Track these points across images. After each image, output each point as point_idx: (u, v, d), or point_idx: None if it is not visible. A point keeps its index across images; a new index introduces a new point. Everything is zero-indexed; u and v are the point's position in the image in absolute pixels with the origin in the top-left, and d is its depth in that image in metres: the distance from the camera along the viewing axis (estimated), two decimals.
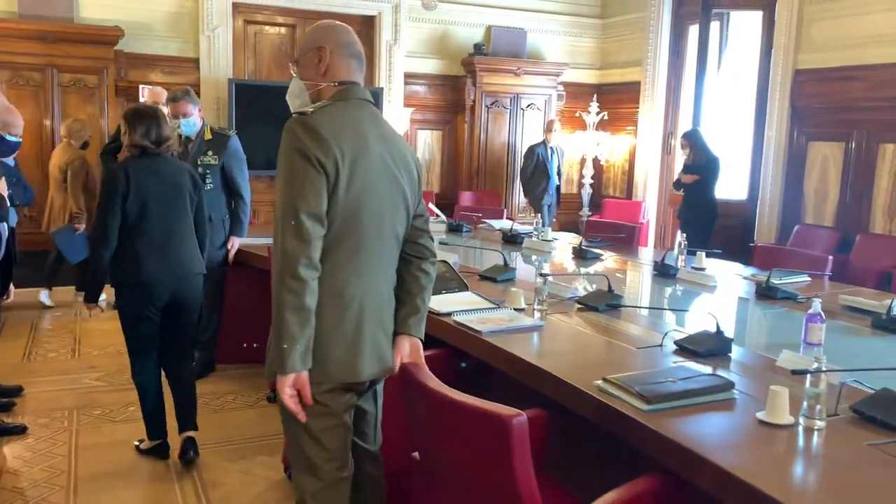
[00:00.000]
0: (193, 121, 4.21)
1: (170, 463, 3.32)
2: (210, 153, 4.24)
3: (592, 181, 8.32)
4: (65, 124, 5.78)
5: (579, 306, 3.02)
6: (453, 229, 5.25)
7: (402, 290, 2.09)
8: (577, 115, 8.29)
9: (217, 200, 4.29)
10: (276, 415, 2.13)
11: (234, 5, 7.07)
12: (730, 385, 2.03)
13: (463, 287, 3.16)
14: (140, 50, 6.66)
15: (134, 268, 3.12)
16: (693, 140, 6.16)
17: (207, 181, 4.21)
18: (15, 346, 4.95)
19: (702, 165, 6.03)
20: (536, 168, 7.32)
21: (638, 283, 3.96)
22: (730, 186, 6.77)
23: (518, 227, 5.09)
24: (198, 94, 5.90)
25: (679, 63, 7.69)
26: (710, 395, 1.99)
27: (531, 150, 7.46)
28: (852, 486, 1.61)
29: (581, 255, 4.34)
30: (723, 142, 6.78)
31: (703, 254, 4.05)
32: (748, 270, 4.06)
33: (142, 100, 6.23)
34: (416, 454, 2.10)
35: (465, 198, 7.73)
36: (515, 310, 2.88)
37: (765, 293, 3.38)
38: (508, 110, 8.08)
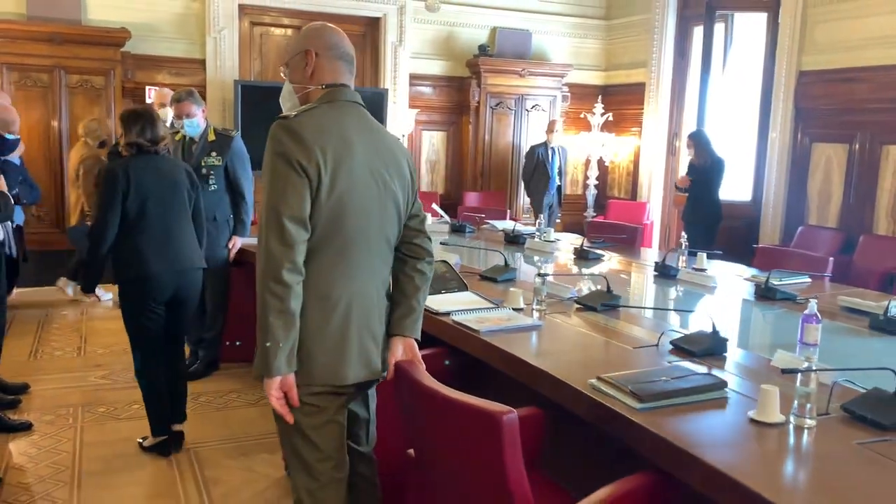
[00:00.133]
0: (197, 121, 4.25)
1: (172, 460, 3.36)
2: (214, 154, 4.28)
3: (597, 182, 8.33)
4: (82, 123, 5.85)
5: (578, 306, 3.04)
6: (456, 230, 5.27)
7: (397, 290, 2.10)
8: (581, 116, 8.30)
9: (221, 201, 4.33)
10: None
11: (241, 7, 7.12)
12: (722, 384, 2.05)
13: (463, 287, 3.18)
14: (147, 51, 6.72)
15: (136, 264, 3.19)
16: (697, 141, 6.17)
17: (211, 181, 4.25)
18: (21, 344, 5.00)
19: (706, 167, 6.03)
20: (537, 168, 7.34)
21: (638, 283, 3.98)
22: (734, 188, 6.77)
23: (520, 228, 5.11)
24: (203, 95, 5.99)
25: (684, 64, 7.70)
26: (703, 394, 2.01)
27: (532, 150, 7.49)
28: (840, 483, 1.62)
29: (582, 256, 4.35)
30: (727, 143, 6.78)
31: (704, 255, 4.07)
32: (750, 272, 4.07)
33: (148, 101, 6.30)
34: (410, 451, 2.13)
35: (470, 198, 7.76)
36: (514, 310, 2.90)
37: (764, 294, 3.39)
38: (513, 111, 8.10)
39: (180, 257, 3.29)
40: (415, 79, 7.82)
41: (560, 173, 7.48)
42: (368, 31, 7.75)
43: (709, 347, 2.42)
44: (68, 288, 6.06)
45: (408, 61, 7.73)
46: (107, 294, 5.99)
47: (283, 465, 3.21)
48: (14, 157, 3.85)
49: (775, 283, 3.45)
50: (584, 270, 4.12)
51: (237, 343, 4.58)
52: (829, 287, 3.76)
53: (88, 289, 3.40)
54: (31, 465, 3.27)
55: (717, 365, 2.33)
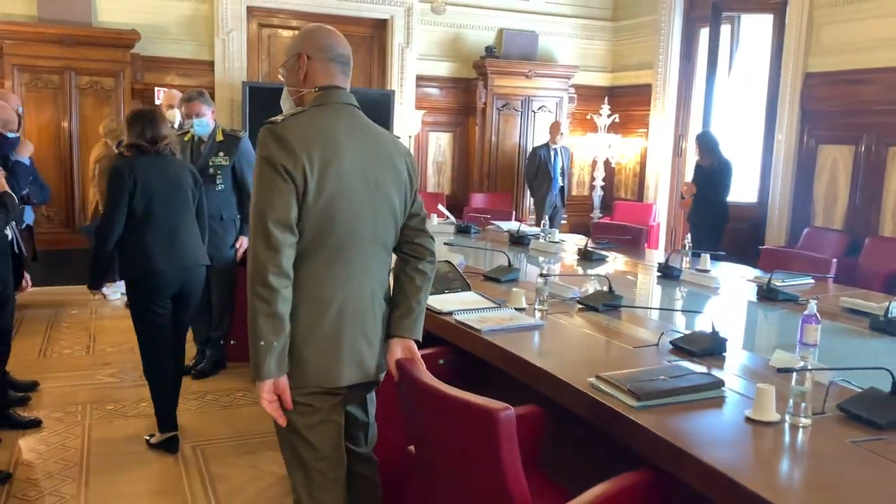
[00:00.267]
0: (206, 121, 4.31)
1: (179, 457, 3.40)
2: (221, 154, 4.33)
3: (604, 183, 8.35)
4: (102, 123, 5.93)
5: (580, 306, 3.06)
6: (462, 230, 5.30)
7: (398, 290, 2.11)
8: (588, 117, 8.32)
9: (228, 201, 4.37)
10: None
11: (249, 9, 7.17)
12: (719, 383, 2.07)
13: (466, 287, 3.21)
14: (156, 53, 6.78)
15: (142, 261, 3.28)
16: (704, 142, 6.17)
17: (218, 181, 4.30)
18: (31, 342, 5.06)
19: (713, 168, 6.03)
20: (539, 170, 7.38)
21: (640, 284, 4.00)
22: (740, 189, 6.77)
23: (525, 229, 5.13)
24: (212, 96, 6.02)
25: (690, 66, 7.71)
26: (700, 393, 2.03)
27: (534, 152, 7.54)
28: (833, 481, 1.64)
29: (586, 257, 4.37)
30: (733, 144, 6.79)
31: (707, 256, 4.08)
32: (754, 273, 4.08)
33: (157, 102, 6.35)
34: (411, 448, 2.16)
35: (476, 199, 7.79)
36: (516, 309, 2.92)
37: (766, 295, 3.40)
38: (520, 113, 8.12)
39: (185, 255, 3.37)
40: (422, 80, 7.85)
41: (563, 174, 7.51)
42: (376, 33, 7.79)
43: (708, 347, 2.44)
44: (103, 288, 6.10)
45: (415, 63, 7.76)
46: (114, 294, 6.05)
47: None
48: (24, 158, 3.90)
49: (777, 284, 3.46)
50: (588, 271, 4.14)
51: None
52: (832, 288, 3.77)
53: (94, 286, 3.45)
54: (40, 462, 3.32)
55: (716, 365, 2.35)
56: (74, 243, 6.23)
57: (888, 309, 2.91)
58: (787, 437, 1.83)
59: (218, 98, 6.86)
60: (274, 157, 1.84)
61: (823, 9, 6.14)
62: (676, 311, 3.29)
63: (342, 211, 1.90)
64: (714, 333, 2.48)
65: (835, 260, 4.07)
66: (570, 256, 4.55)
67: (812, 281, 3.75)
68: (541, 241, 4.79)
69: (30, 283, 3.87)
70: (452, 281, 3.21)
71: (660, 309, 3.31)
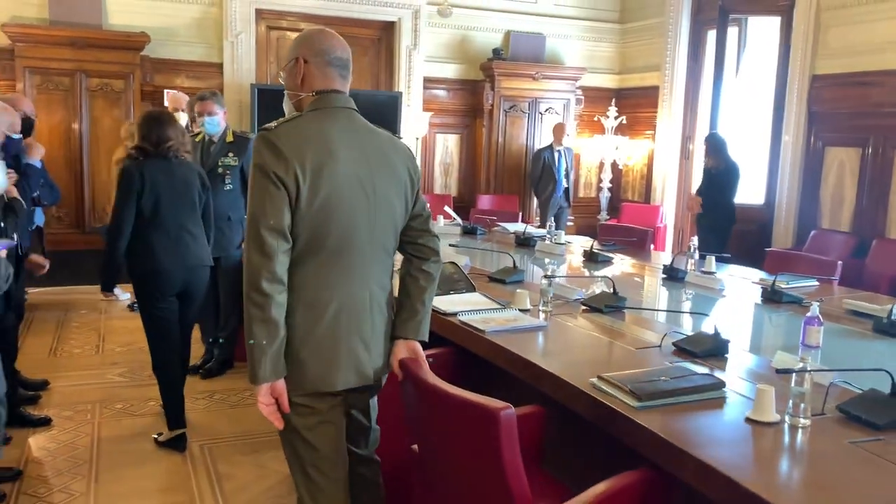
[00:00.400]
0: (218, 120, 4.40)
1: (186, 455, 3.44)
2: (231, 155, 4.40)
3: (611, 185, 8.36)
4: (123, 126, 5.99)
5: (584, 308, 3.08)
6: (468, 232, 5.33)
7: (402, 292, 2.13)
8: (595, 119, 8.34)
9: (237, 201, 4.42)
10: None
11: (258, 11, 7.22)
12: (720, 384, 2.09)
13: (470, 288, 3.24)
14: (165, 55, 6.84)
15: (149, 259, 3.37)
16: (711, 143, 6.17)
17: (227, 181, 4.38)
18: (42, 342, 5.12)
19: (721, 170, 6.03)
20: (543, 172, 7.40)
21: (645, 286, 4.01)
22: (747, 191, 6.76)
23: (531, 231, 5.15)
24: None
25: (697, 68, 7.71)
26: (701, 394, 2.05)
27: (538, 154, 7.58)
28: (832, 481, 1.66)
29: (592, 259, 4.39)
30: (740, 146, 6.78)
31: (713, 258, 4.09)
32: (759, 275, 4.08)
33: (165, 104, 6.41)
34: (415, 447, 2.18)
35: (483, 201, 7.81)
36: (520, 310, 2.94)
37: (770, 297, 3.41)
38: (527, 114, 8.14)
39: (189, 255, 3.46)
40: (429, 82, 7.88)
41: (567, 176, 7.53)
42: (384, 36, 7.83)
43: (710, 348, 2.45)
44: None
45: (422, 65, 7.80)
46: (125, 294, 6.11)
47: None
48: (36, 161, 3.95)
49: (782, 286, 3.47)
50: (593, 273, 4.15)
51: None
52: (837, 290, 3.78)
53: (107, 287, 3.49)
54: (50, 459, 3.36)
55: (718, 366, 2.36)
56: (84, 244, 6.29)
57: (891, 311, 2.91)
58: (786, 438, 1.84)
59: (227, 100, 6.83)
60: (266, 164, 1.85)
61: (831, 11, 6.14)
62: (679, 312, 3.30)
63: (337, 216, 1.91)
64: (716, 335, 2.49)
65: (840, 262, 4.07)
66: (575, 258, 4.57)
67: (817, 283, 3.76)
68: (546, 242, 4.81)
69: (46, 265, 3.84)
70: (457, 282, 3.24)
71: (662, 311, 3.33)
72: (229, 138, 4.45)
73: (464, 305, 2.96)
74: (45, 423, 3.73)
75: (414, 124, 7.59)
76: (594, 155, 8.46)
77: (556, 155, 7.44)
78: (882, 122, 5.74)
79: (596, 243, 4.71)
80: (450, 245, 4.50)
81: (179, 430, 3.52)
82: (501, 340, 2.57)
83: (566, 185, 7.53)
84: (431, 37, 7.82)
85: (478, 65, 8.00)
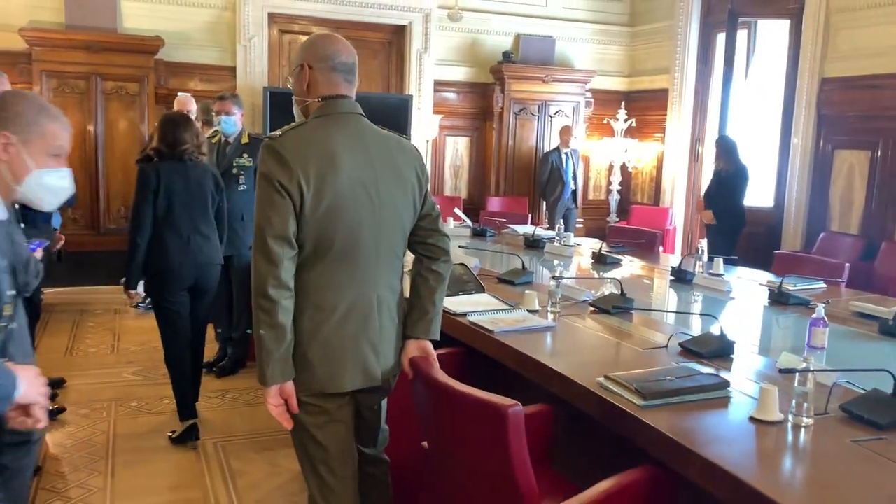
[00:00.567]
0: (234, 120, 4.52)
1: (200, 452, 3.51)
2: (245, 155, 4.49)
3: (620, 188, 8.39)
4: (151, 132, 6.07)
5: (592, 309, 3.12)
6: (477, 234, 5.37)
7: (413, 292, 2.16)
8: (605, 121, 8.36)
9: (250, 201, 4.48)
10: None
11: (270, 15, 7.29)
12: (725, 384, 2.13)
13: (480, 289, 3.28)
14: (179, 59, 6.91)
15: (161, 257, 3.52)
16: (722, 146, 6.19)
17: (241, 181, 4.50)
18: (58, 341, 5.20)
19: (730, 173, 6.05)
20: (551, 174, 7.45)
21: (653, 287, 4.05)
22: (756, 194, 6.78)
23: (540, 232, 5.19)
24: None
25: (706, 71, 7.73)
26: (706, 393, 2.09)
27: (545, 157, 7.62)
28: (833, 479, 1.70)
29: (601, 261, 4.43)
30: (749, 149, 6.79)
31: (721, 260, 4.11)
32: (767, 277, 4.11)
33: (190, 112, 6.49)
34: (424, 443, 2.23)
35: (493, 203, 7.85)
36: (529, 311, 2.98)
37: (777, 299, 3.44)
38: (536, 117, 8.18)
39: (199, 254, 3.61)
40: (439, 85, 7.93)
41: (574, 177, 7.57)
42: (394, 39, 7.89)
43: (716, 349, 2.49)
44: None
45: (432, 68, 7.85)
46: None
47: None
48: None
49: (789, 288, 3.50)
50: (601, 274, 4.18)
51: None
52: (844, 293, 3.80)
53: (129, 285, 3.59)
54: (67, 455, 3.43)
55: (724, 366, 2.40)
56: (99, 245, 6.37)
57: None
58: (789, 437, 1.88)
59: None
60: (271, 172, 1.89)
61: (840, 14, 6.15)
62: (686, 313, 3.33)
63: (342, 221, 1.94)
64: (722, 336, 2.53)
65: (847, 264, 4.10)
66: (584, 260, 4.60)
67: (824, 285, 3.78)
68: (556, 244, 4.85)
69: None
70: (467, 283, 3.29)
71: (669, 312, 3.37)
72: (244, 139, 4.57)
73: (473, 306, 3.00)
74: (60, 411, 3.83)
75: (424, 127, 7.64)
76: (603, 157, 8.49)
77: (564, 157, 7.49)
78: (891, 125, 5.74)
79: (605, 245, 4.74)
80: (459, 246, 4.55)
81: (191, 421, 3.62)
82: (510, 341, 2.61)
83: (574, 187, 7.56)
84: (442, 40, 7.87)
85: (488, 68, 8.04)
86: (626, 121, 8.22)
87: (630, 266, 4.45)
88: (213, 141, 4.57)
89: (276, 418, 2.00)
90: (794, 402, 1.92)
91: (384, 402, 2.22)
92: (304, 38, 7.62)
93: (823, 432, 1.89)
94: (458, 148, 8.23)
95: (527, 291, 3.15)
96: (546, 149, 8.09)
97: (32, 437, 1.81)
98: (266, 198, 1.90)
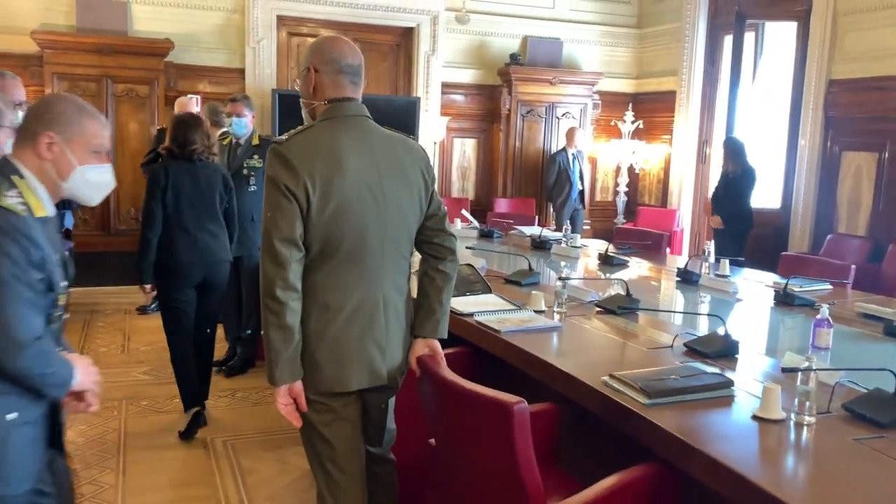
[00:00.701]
0: (245, 122, 4.59)
1: (210, 450, 3.55)
2: (256, 157, 4.55)
3: (627, 189, 8.40)
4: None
5: (598, 309, 3.14)
6: (484, 235, 5.40)
7: (421, 292, 2.19)
8: (612, 123, 8.38)
9: (260, 202, 4.51)
10: None
11: (279, 18, 7.34)
12: (729, 383, 2.15)
13: (487, 290, 3.31)
14: (189, 61, 6.97)
15: (170, 253, 3.64)
16: (729, 148, 6.19)
17: (251, 183, 4.56)
18: (69, 341, 5.18)
19: (737, 174, 6.06)
20: (559, 176, 7.47)
21: (659, 288, 4.07)
22: (763, 195, 6.78)
23: (547, 234, 5.21)
24: None
25: (714, 73, 7.73)
26: (710, 392, 2.11)
27: (552, 158, 7.63)
28: (835, 476, 1.72)
29: (607, 262, 4.45)
30: (757, 151, 6.80)
31: (727, 261, 4.13)
32: (773, 278, 4.12)
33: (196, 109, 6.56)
34: (432, 441, 2.26)
35: (500, 205, 7.87)
36: (535, 312, 3.01)
37: (782, 300, 3.46)
38: (544, 119, 8.20)
39: (206, 251, 3.72)
40: (447, 87, 7.97)
41: (581, 178, 7.59)
42: (402, 42, 7.93)
43: (721, 349, 2.51)
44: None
45: (440, 70, 7.88)
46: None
47: None
48: None
49: (795, 289, 3.51)
50: (608, 275, 4.20)
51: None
52: (850, 294, 3.81)
53: (144, 280, 3.71)
54: (79, 453, 3.47)
55: (728, 366, 2.42)
56: (110, 246, 6.43)
57: None
58: (792, 435, 1.90)
59: None
60: (278, 176, 1.93)
61: (847, 16, 6.15)
62: (690, 314, 3.35)
63: (348, 223, 1.97)
64: (727, 335, 2.55)
65: (853, 266, 4.11)
66: (591, 261, 4.62)
67: (830, 287, 3.79)
68: (562, 246, 4.87)
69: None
70: (474, 283, 3.32)
71: (673, 312, 3.39)
72: (255, 141, 4.63)
73: (480, 306, 3.03)
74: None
75: (432, 129, 7.68)
76: (611, 159, 8.50)
77: (571, 157, 7.51)
78: None
79: (611, 246, 4.76)
80: (466, 247, 4.57)
81: (195, 409, 3.72)
82: (516, 340, 2.64)
83: (581, 188, 7.58)
84: (449, 42, 7.90)
85: (495, 70, 8.07)
86: (633, 123, 8.23)
87: (636, 267, 4.47)
88: (225, 143, 4.63)
89: (285, 417, 2.03)
90: (796, 400, 1.94)
91: (391, 402, 2.25)
92: (312, 41, 7.69)
93: (826, 431, 1.91)
94: (465, 150, 8.26)
95: (533, 292, 3.17)
96: (553, 150, 8.11)
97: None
98: (273, 201, 1.94)
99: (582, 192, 7.62)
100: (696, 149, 7.93)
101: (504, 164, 8.14)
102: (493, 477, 1.93)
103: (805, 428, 1.91)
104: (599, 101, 8.40)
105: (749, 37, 7.22)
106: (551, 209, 7.98)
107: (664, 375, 2.16)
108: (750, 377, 2.32)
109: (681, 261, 4.86)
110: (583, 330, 2.87)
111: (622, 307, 3.08)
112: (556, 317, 2.99)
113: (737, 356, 2.51)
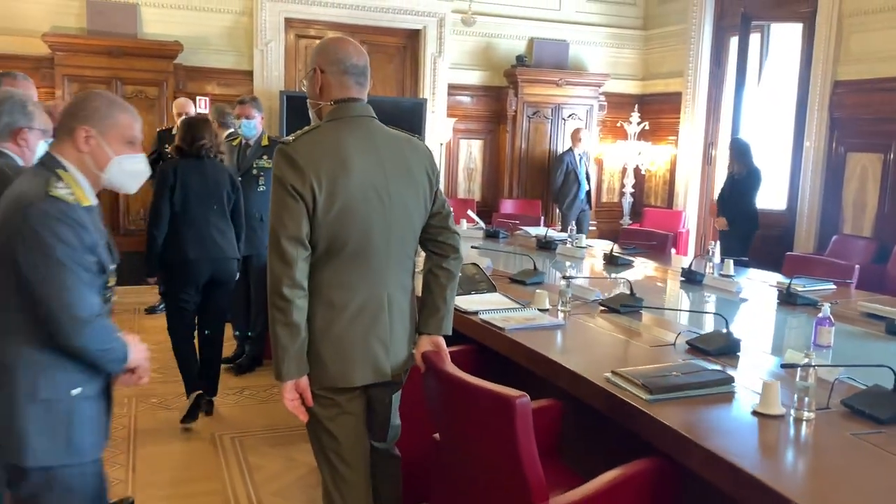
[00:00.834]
0: (254, 124, 4.66)
1: (218, 447, 3.60)
2: (265, 157, 4.61)
3: (633, 190, 8.42)
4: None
5: (602, 308, 3.17)
6: (490, 235, 5.44)
7: (425, 289, 2.22)
8: (618, 125, 8.41)
9: (269, 202, 4.60)
10: None
11: (287, 20, 7.40)
12: (729, 379, 2.18)
13: (492, 289, 3.35)
14: (198, 63, 7.04)
15: (177, 249, 3.73)
16: (735, 149, 6.21)
17: (261, 183, 4.63)
18: None
19: (743, 175, 6.07)
20: (567, 176, 7.49)
21: (663, 287, 4.09)
22: (769, 196, 6.80)
23: (553, 234, 5.25)
24: None
25: (720, 74, 7.75)
26: (710, 388, 2.14)
27: (560, 158, 7.65)
28: (831, 468, 1.75)
29: (612, 262, 4.47)
30: (762, 152, 6.81)
31: (731, 261, 4.15)
32: (778, 278, 4.13)
33: (202, 110, 6.62)
34: (436, 435, 2.29)
35: (506, 206, 7.91)
36: (540, 310, 3.04)
37: (786, 299, 3.48)
38: (550, 120, 8.23)
39: (213, 247, 3.81)
40: (453, 89, 8.01)
41: (588, 178, 7.61)
42: (409, 43, 7.98)
43: (723, 347, 2.54)
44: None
45: (447, 72, 7.93)
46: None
47: None
48: None
49: (798, 289, 3.53)
50: (612, 275, 4.23)
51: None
52: (854, 294, 3.83)
53: (151, 273, 3.85)
54: None
55: (730, 364, 2.44)
56: (119, 246, 6.37)
57: None
58: (790, 430, 1.93)
59: None
60: (284, 176, 1.96)
61: (852, 17, 6.16)
62: (692, 311, 3.38)
63: (353, 223, 2.00)
64: (728, 334, 2.58)
65: (857, 266, 4.12)
66: (596, 262, 4.65)
67: (834, 286, 3.81)
68: (568, 246, 4.90)
69: None
70: (479, 282, 3.35)
71: (675, 310, 3.42)
72: (264, 142, 4.71)
73: (485, 305, 3.07)
74: None
75: (438, 130, 7.72)
76: (617, 160, 8.53)
77: (578, 158, 7.54)
78: None
79: (616, 247, 4.78)
80: (472, 247, 4.61)
81: (196, 392, 3.85)
82: (521, 338, 2.68)
83: (588, 188, 7.61)
84: (456, 44, 7.94)
85: (501, 71, 8.11)
86: (639, 124, 8.26)
87: (641, 267, 4.49)
88: (235, 143, 4.70)
89: (291, 411, 2.07)
90: (795, 396, 1.97)
91: (396, 397, 2.28)
92: (318, 42, 7.73)
93: (824, 426, 1.94)
94: (471, 151, 8.30)
95: (537, 291, 3.20)
96: (559, 151, 8.14)
97: None
98: (280, 201, 1.98)
99: (589, 193, 7.65)
100: (701, 150, 7.95)
101: (510, 166, 8.18)
102: (497, 471, 1.96)
103: (804, 423, 1.94)
104: (605, 103, 8.43)
105: (755, 38, 7.24)
106: (557, 211, 8.00)
107: (666, 372, 2.19)
108: (751, 374, 2.34)
109: (686, 261, 4.88)
110: (586, 328, 2.90)
111: (625, 305, 3.10)
112: (560, 315, 3.02)
113: (738, 354, 2.54)
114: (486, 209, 7.77)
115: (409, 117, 7.17)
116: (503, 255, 4.71)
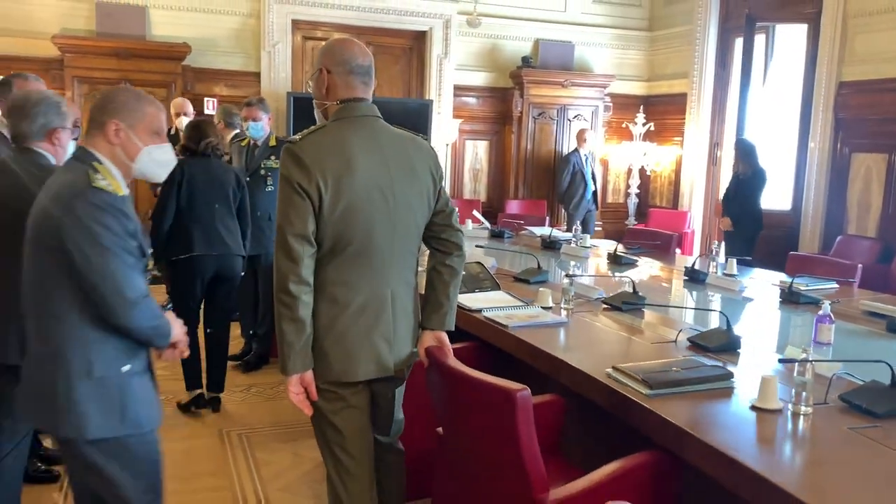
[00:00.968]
0: (262, 125, 4.69)
1: (225, 443, 3.64)
2: (273, 158, 4.65)
3: (639, 191, 8.44)
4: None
5: (604, 306, 3.21)
6: (495, 235, 5.47)
7: (428, 286, 2.26)
8: (623, 126, 8.43)
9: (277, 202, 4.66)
10: None
11: (294, 22, 7.46)
12: (728, 375, 2.21)
13: (496, 287, 3.38)
14: (205, 65, 7.11)
15: (185, 244, 3.83)
16: (741, 149, 6.22)
17: (269, 183, 4.67)
18: None
19: (748, 176, 6.08)
20: (574, 176, 7.52)
21: (666, 286, 4.12)
22: (774, 197, 6.81)
23: (557, 234, 5.28)
24: None
25: (725, 75, 7.77)
26: (710, 384, 2.17)
27: (566, 158, 7.68)
28: (827, 461, 1.78)
29: (616, 261, 4.51)
30: (767, 152, 6.83)
31: (734, 261, 4.18)
32: (781, 278, 4.15)
33: (209, 111, 6.68)
34: (439, 429, 2.33)
35: (512, 206, 7.94)
36: (543, 308, 3.08)
37: (788, 298, 3.51)
38: (555, 121, 8.26)
39: (219, 244, 3.90)
40: (459, 90, 8.05)
41: (594, 178, 7.64)
42: (415, 45, 8.03)
43: (723, 344, 2.57)
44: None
45: (452, 73, 7.97)
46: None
47: None
48: None
49: (801, 287, 3.56)
50: (616, 274, 4.26)
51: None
52: (856, 293, 3.85)
53: (155, 262, 3.92)
54: None
55: (730, 360, 2.47)
56: None
57: None
58: (788, 424, 1.96)
59: None
60: (291, 175, 2.00)
61: (857, 18, 6.18)
62: (695, 309, 3.42)
63: (358, 221, 2.04)
64: (730, 331, 2.61)
65: (860, 265, 4.14)
66: (600, 261, 4.68)
67: (836, 285, 3.83)
68: (572, 245, 4.93)
69: None
70: (483, 281, 3.39)
71: (677, 307, 3.45)
72: (272, 142, 4.75)
73: (488, 303, 3.10)
74: None
75: (444, 131, 7.76)
76: (622, 161, 8.56)
77: (584, 158, 7.57)
78: None
79: (620, 246, 4.81)
80: (477, 246, 4.65)
81: (197, 391, 3.94)
82: (524, 335, 2.71)
83: (594, 188, 7.64)
84: (461, 45, 7.99)
85: (507, 73, 8.15)
86: (644, 125, 8.28)
87: (645, 267, 4.52)
88: (243, 144, 4.75)
89: (296, 405, 2.11)
90: (793, 390, 2.00)
91: (399, 392, 2.31)
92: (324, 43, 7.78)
93: (822, 420, 1.97)
94: (477, 152, 8.34)
95: (541, 289, 3.24)
96: (565, 152, 8.16)
97: None
98: (287, 199, 2.01)
99: (595, 193, 7.68)
100: (707, 151, 7.97)
101: (516, 166, 8.21)
102: (499, 463, 2.00)
103: (801, 417, 1.97)
104: (611, 104, 8.46)
105: (759, 39, 7.26)
106: (562, 211, 8.03)
107: (666, 368, 2.23)
108: (751, 370, 2.37)
109: (690, 261, 4.90)
110: (589, 326, 2.93)
111: (627, 303, 3.14)
112: (563, 313, 3.06)
113: (739, 351, 2.57)
114: (492, 210, 7.81)
115: (415, 118, 7.22)
116: (508, 255, 4.74)
